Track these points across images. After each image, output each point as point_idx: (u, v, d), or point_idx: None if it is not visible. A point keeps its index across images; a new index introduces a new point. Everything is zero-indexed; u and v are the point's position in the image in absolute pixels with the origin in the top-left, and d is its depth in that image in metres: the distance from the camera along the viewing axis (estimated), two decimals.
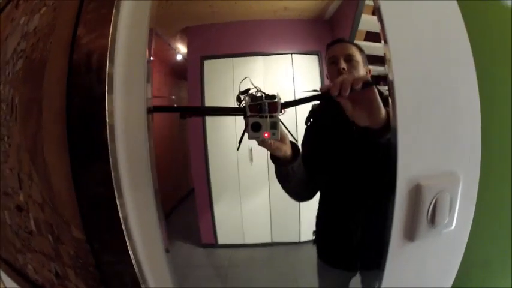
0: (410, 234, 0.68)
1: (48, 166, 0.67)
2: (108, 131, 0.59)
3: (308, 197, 0.91)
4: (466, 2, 0.68)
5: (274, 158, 0.78)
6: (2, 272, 0.94)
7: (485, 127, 0.69)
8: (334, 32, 0.98)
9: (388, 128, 0.66)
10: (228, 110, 0.78)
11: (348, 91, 0.65)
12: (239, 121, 0.72)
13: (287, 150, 0.75)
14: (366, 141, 0.73)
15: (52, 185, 0.68)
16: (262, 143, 0.72)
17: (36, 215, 0.75)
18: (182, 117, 0.85)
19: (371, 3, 0.90)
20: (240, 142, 0.74)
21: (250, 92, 0.73)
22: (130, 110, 0.62)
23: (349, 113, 0.69)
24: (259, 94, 0.71)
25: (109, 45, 0.60)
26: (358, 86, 0.65)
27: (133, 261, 0.64)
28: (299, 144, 0.81)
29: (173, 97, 1.06)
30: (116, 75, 0.61)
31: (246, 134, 0.70)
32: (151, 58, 0.67)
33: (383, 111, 0.68)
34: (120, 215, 0.61)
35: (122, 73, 0.62)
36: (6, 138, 0.77)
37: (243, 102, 0.71)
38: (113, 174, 0.59)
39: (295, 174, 0.78)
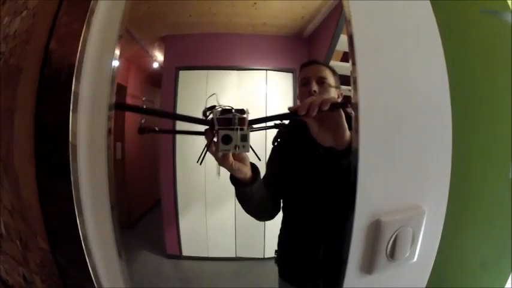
0: (368, 267, 0.65)
1: (19, 177, 0.66)
2: (70, 150, 0.58)
3: (268, 217, 0.91)
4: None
5: (234, 179, 0.76)
6: None
7: (485, 126, 0.67)
8: (311, 51, 0.98)
9: (351, 151, 0.65)
10: (197, 120, 0.72)
11: (315, 111, 0.63)
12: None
13: (247, 172, 0.73)
14: (329, 163, 0.73)
15: (21, 196, 0.67)
16: (223, 162, 0.70)
17: (7, 220, 0.73)
18: (140, 132, 0.83)
19: None
20: (203, 157, 0.72)
21: (217, 109, 0.71)
22: (93, 131, 0.61)
23: (315, 133, 0.68)
24: (227, 107, 0.69)
25: (76, 63, 0.59)
26: (326, 107, 0.64)
27: (93, 277, 0.63)
28: (263, 164, 0.79)
29: (143, 98, 1.06)
30: (81, 94, 0.60)
31: (210, 148, 0.68)
32: (120, 63, 0.66)
33: (347, 133, 0.66)
34: (80, 233, 0.60)
35: (88, 91, 0.61)
36: None
37: (210, 115, 0.69)
38: (74, 194, 0.58)
39: (253, 195, 0.77)
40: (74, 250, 0.62)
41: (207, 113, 0.70)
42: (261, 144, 0.81)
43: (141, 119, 0.87)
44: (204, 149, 0.70)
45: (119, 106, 0.69)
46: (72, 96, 0.58)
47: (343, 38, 0.94)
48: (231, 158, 0.69)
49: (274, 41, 1.00)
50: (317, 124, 0.67)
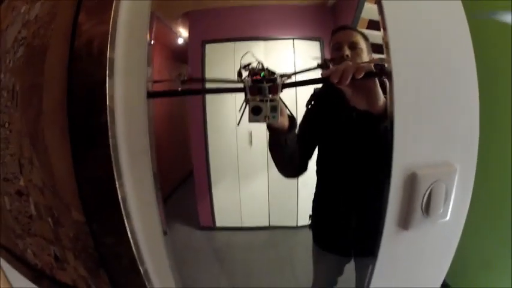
0: (405, 222, 0.68)
1: (49, 150, 0.67)
2: (108, 114, 0.59)
3: (295, 172, 0.92)
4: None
5: (270, 126, 0.78)
6: (1, 259, 0.95)
7: (486, 125, 0.68)
8: (337, 19, 0.97)
9: (386, 115, 0.66)
10: (230, 90, 0.78)
11: (348, 80, 0.65)
12: (239, 103, 0.72)
13: (284, 121, 0.75)
14: (364, 126, 0.73)
15: (52, 169, 0.68)
16: None
17: (37, 199, 0.75)
18: (183, 83, 0.88)
19: None
20: (241, 117, 0.72)
21: (251, 66, 0.72)
22: (130, 94, 0.62)
23: (349, 97, 0.69)
24: (260, 66, 0.71)
25: (110, 30, 0.60)
26: (360, 76, 0.65)
27: (132, 242, 0.65)
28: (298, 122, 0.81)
29: (179, 75, 1.06)
30: (116, 60, 0.61)
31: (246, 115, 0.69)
32: (152, 42, 0.67)
33: (382, 99, 0.68)
34: (119, 196, 0.61)
35: (122, 58, 0.62)
36: (7, 125, 0.77)
37: (244, 81, 0.71)
38: (112, 155, 0.59)
39: (287, 145, 0.79)
40: (110, 217, 0.64)
41: (242, 72, 0.72)
42: (292, 105, 0.81)
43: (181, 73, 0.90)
44: (243, 106, 0.71)
45: (161, 94, 0.71)
46: (107, 62, 0.59)
47: (367, 6, 0.93)
48: None
49: (299, 11, 1.00)
50: (351, 90, 0.67)
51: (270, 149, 0.84)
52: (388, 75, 0.63)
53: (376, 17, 0.68)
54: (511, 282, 1.05)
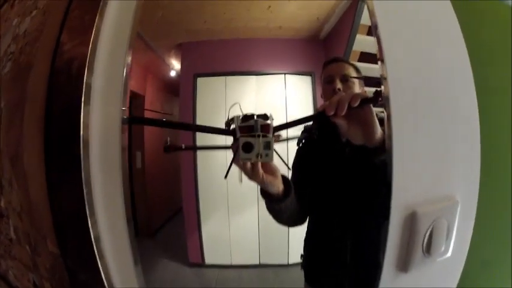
0: (404, 264, 0.63)
1: (27, 175, 0.65)
2: (82, 145, 0.56)
3: (301, 223, 0.88)
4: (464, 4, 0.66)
5: (265, 193, 0.72)
6: None
7: (486, 128, 0.66)
8: (329, 52, 0.97)
9: (384, 148, 0.62)
10: (219, 131, 0.67)
11: (345, 110, 0.60)
12: (229, 139, 0.65)
13: (279, 185, 0.69)
14: (360, 161, 0.71)
15: (30, 195, 0.65)
16: (253, 175, 0.64)
17: (16, 224, 0.72)
18: (166, 151, 0.82)
19: (366, 23, 0.89)
20: (228, 170, 0.67)
21: (237, 117, 0.67)
22: (106, 123, 0.59)
23: (344, 131, 0.66)
24: (250, 113, 0.63)
25: (89, 53, 0.57)
26: (356, 104, 0.60)
27: (105, 282, 0.61)
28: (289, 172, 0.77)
29: (170, 114, 1.06)
30: (94, 86, 0.58)
31: (236, 160, 0.63)
32: (128, 73, 0.64)
33: (379, 130, 0.63)
34: (92, 235, 0.58)
35: (100, 83, 0.59)
36: None
37: (233, 124, 0.63)
38: (84, 191, 0.56)
39: (287, 209, 0.74)
40: (85, 253, 0.59)
41: (230, 123, 0.65)
42: (283, 148, 0.79)
43: (166, 138, 0.85)
44: (231, 162, 0.65)
45: (138, 121, 0.68)
46: (84, 87, 0.55)
47: (359, 38, 0.93)
48: (261, 171, 0.64)
49: (291, 44, 1.00)
50: (346, 122, 0.64)
51: (269, 213, 0.78)
52: (385, 100, 0.60)
53: (368, 48, 0.66)
54: (511, 282, 1.03)
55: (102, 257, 0.60)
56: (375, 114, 0.63)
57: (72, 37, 0.61)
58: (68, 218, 0.60)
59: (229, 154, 0.64)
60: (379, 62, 0.63)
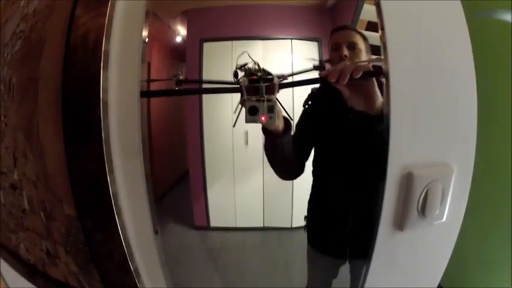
0: (400, 223, 0.66)
1: (43, 144, 0.66)
2: (101, 107, 0.58)
3: (291, 175, 0.91)
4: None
5: (265, 129, 0.76)
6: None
7: (486, 125, 0.67)
8: (335, 20, 0.96)
9: (383, 116, 0.65)
10: (226, 90, 0.76)
11: (346, 80, 0.63)
12: (235, 104, 0.70)
13: (279, 124, 0.73)
14: (361, 126, 0.72)
15: (46, 163, 0.67)
16: None
17: (30, 193, 0.74)
18: (177, 84, 0.85)
19: None
20: (236, 118, 0.70)
21: (247, 66, 0.70)
22: (124, 89, 0.60)
23: (346, 98, 0.68)
24: (256, 68, 0.69)
25: (106, 22, 0.59)
26: (358, 75, 0.64)
27: (122, 239, 0.63)
28: (294, 123, 0.81)
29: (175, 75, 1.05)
30: (112, 53, 0.59)
31: (243, 115, 0.68)
32: (146, 40, 0.65)
33: (379, 100, 0.66)
34: (110, 191, 0.60)
35: (118, 51, 0.60)
36: (2, 118, 0.76)
37: (240, 81, 0.68)
38: (104, 149, 0.58)
39: (283, 148, 0.78)
40: (101, 212, 0.62)
41: (238, 72, 0.70)
42: (289, 105, 0.79)
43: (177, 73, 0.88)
44: (239, 107, 0.70)
45: (147, 94, 0.70)
46: (103, 55, 0.58)
47: (366, 7, 0.92)
48: None
49: (298, 11, 0.99)
50: (348, 90, 0.66)
51: (265, 152, 0.82)
52: (385, 75, 0.62)
53: (375, 18, 0.67)
54: (511, 282, 1.05)
55: (119, 213, 0.62)
56: (376, 85, 0.66)
57: (88, 10, 0.63)
58: (86, 179, 0.62)
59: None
60: (379, 30, 0.64)
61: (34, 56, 0.68)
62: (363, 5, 0.91)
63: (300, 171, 0.88)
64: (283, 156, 0.80)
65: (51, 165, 0.66)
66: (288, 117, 0.76)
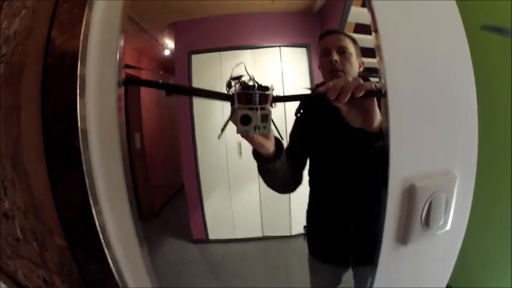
0: (404, 237, 0.63)
1: (29, 174, 0.63)
2: (80, 136, 0.54)
3: (290, 190, 0.87)
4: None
5: (256, 154, 0.70)
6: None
7: (485, 126, 0.65)
8: (324, 25, 0.94)
9: (382, 134, 0.61)
10: (215, 95, 0.66)
11: (347, 98, 0.57)
12: (227, 115, 0.62)
13: (270, 147, 0.67)
14: (358, 141, 0.69)
15: (33, 193, 0.64)
16: (245, 135, 0.63)
17: (22, 222, 0.71)
18: (168, 94, 0.83)
19: None
20: (222, 130, 0.63)
21: (243, 79, 0.63)
22: (103, 113, 0.57)
23: (344, 114, 0.63)
24: (251, 83, 0.61)
25: (80, 45, 0.55)
26: (360, 95, 0.57)
27: (113, 269, 0.60)
28: (285, 139, 0.74)
29: (161, 72, 1.03)
30: (88, 77, 0.56)
31: (231, 125, 0.61)
32: (122, 58, 0.62)
33: (378, 117, 0.61)
34: (97, 223, 0.57)
35: (94, 74, 0.57)
36: None
37: (232, 89, 0.61)
38: (87, 182, 0.55)
39: (277, 171, 0.72)
40: (92, 244, 0.59)
41: (232, 83, 0.63)
42: (281, 117, 0.76)
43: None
44: (227, 120, 0.62)
45: (130, 82, 0.66)
46: (78, 80, 0.54)
47: (354, 10, 0.90)
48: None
49: (285, 17, 0.97)
50: (347, 107, 0.62)
51: (260, 175, 0.77)
52: (383, 87, 0.58)
53: (362, 20, 0.64)
54: (511, 282, 1.03)
55: (109, 245, 0.59)
56: (376, 104, 0.60)
57: (63, 31, 0.59)
58: (73, 210, 0.60)
59: (230, 129, 0.63)
60: (373, 33, 0.61)
61: (16, 82, 0.64)
62: (351, 6, 0.89)
63: (298, 182, 0.84)
64: (278, 178, 0.75)
65: (38, 194, 0.63)
66: (279, 137, 0.69)
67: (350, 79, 0.58)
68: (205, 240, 1.03)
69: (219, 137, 0.65)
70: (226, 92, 0.62)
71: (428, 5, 0.62)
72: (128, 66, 0.67)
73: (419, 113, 0.60)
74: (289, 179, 0.80)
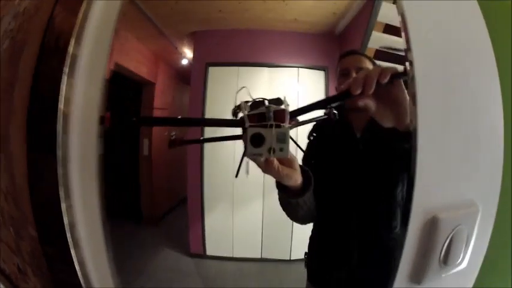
0: (418, 276, 0.57)
1: (12, 156, 0.61)
2: (61, 119, 0.48)
3: (311, 221, 0.77)
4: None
5: (281, 186, 0.57)
6: None
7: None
8: (344, 47, 0.93)
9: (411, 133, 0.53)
10: (223, 123, 0.54)
11: (373, 87, 0.49)
12: (236, 130, 0.49)
13: (298, 178, 0.54)
14: (372, 158, 0.64)
15: (15, 177, 0.62)
16: (267, 168, 0.48)
17: (2, 205, 0.69)
18: (170, 145, 0.72)
19: (382, 20, 0.85)
20: (238, 168, 0.55)
21: (245, 103, 0.50)
22: (90, 99, 0.51)
23: (372, 112, 0.54)
24: (260, 99, 0.48)
25: (78, 23, 0.51)
26: (386, 80, 0.49)
27: (79, 273, 0.55)
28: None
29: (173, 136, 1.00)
30: (80, 57, 0.50)
31: (246, 154, 0.49)
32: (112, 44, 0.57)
33: (408, 110, 0.54)
34: (66, 220, 0.51)
35: (88, 57, 0.52)
36: None
37: (241, 112, 0.47)
38: (59, 171, 0.49)
39: (305, 204, 0.61)
40: (61, 242, 0.54)
41: (237, 111, 0.50)
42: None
43: (170, 132, 0.76)
44: (241, 157, 0.50)
45: (143, 120, 0.62)
46: (69, 59, 0.49)
47: (375, 34, 0.88)
48: (276, 163, 0.48)
49: (306, 38, 0.95)
50: (375, 104, 0.53)
51: (282, 208, 0.65)
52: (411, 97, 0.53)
53: (384, 44, 0.61)
54: (511, 282, 0.99)
55: (77, 245, 0.53)
56: (406, 91, 0.53)
57: (65, 8, 0.57)
58: (46, 201, 0.55)
59: (237, 145, 0.57)
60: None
61: (16, 59, 0.63)
62: (372, 32, 0.88)
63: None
64: (305, 212, 0.64)
65: (19, 179, 0.61)
66: (305, 167, 0.56)
67: (370, 69, 0.51)
68: (202, 255, 1.00)
69: (236, 176, 0.55)
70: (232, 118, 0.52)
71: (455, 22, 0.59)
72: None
73: (447, 139, 0.55)
74: (314, 213, 0.71)
